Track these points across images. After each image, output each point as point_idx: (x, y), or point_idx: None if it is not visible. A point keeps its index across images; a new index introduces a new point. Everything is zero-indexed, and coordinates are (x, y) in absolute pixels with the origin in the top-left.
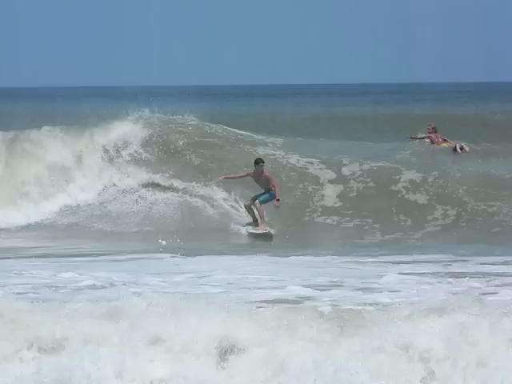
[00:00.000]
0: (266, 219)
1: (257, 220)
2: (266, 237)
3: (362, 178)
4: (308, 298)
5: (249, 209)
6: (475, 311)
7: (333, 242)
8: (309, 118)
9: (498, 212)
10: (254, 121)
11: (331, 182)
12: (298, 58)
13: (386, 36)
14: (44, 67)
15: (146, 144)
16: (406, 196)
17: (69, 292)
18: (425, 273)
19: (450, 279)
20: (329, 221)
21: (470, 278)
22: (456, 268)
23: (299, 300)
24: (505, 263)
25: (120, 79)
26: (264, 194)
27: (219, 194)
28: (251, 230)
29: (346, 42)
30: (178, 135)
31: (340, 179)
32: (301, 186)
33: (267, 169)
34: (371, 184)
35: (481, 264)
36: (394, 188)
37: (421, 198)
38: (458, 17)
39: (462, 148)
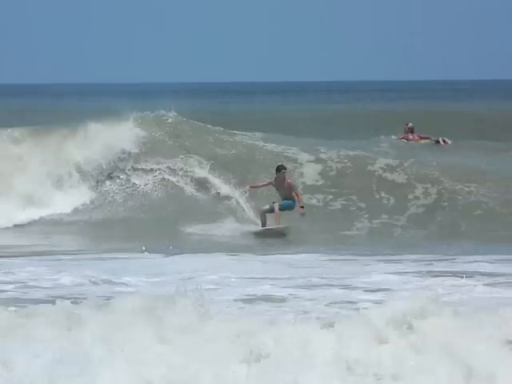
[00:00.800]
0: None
1: (264, 226)
2: (280, 234)
3: (339, 160)
4: (295, 298)
5: (263, 214)
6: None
7: (322, 234)
8: (297, 116)
9: (475, 192)
10: (236, 118)
11: (310, 162)
12: (299, 56)
13: (387, 34)
14: (45, 65)
15: (133, 140)
16: (384, 175)
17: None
18: (410, 272)
19: (435, 279)
20: (314, 201)
21: (456, 277)
22: (441, 267)
23: (283, 299)
24: (490, 262)
25: (120, 77)
26: (284, 200)
27: (214, 180)
28: (268, 226)
29: (346, 40)
30: (163, 131)
31: (318, 160)
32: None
33: (289, 175)
34: (349, 164)
35: (468, 263)
36: (371, 168)
37: (399, 178)
38: (458, 14)
39: (444, 141)
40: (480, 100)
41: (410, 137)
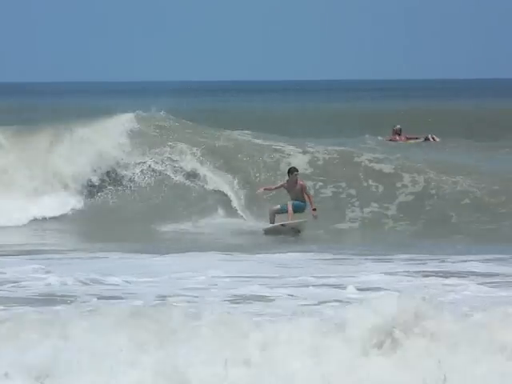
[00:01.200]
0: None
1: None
2: (296, 231)
3: (326, 152)
4: (287, 298)
5: (272, 214)
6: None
7: (315, 229)
8: (296, 116)
9: (461, 182)
10: (226, 117)
11: (297, 153)
12: (299, 56)
13: (387, 34)
14: (45, 64)
15: (125, 139)
16: (370, 165)
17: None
18: (402, 271)
19: (427, 278)
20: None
21: (446, 277)
22: (434, 267)
23: (275, 299)
24: (484, 262)
25: (121, 76)
26: (296, 201)
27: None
28: (285, 222)
29: (348, 40)
30: (156, 130)
31: (306, 152)
32: (266, 155)
33: (301, 177)
34: (335, 156)
35: (460, 262)
36: (357, 159)
37: (386, 168)
38: (458, 14)
39: (433, 138)
40: (480, 99)
41: (397, 138)
